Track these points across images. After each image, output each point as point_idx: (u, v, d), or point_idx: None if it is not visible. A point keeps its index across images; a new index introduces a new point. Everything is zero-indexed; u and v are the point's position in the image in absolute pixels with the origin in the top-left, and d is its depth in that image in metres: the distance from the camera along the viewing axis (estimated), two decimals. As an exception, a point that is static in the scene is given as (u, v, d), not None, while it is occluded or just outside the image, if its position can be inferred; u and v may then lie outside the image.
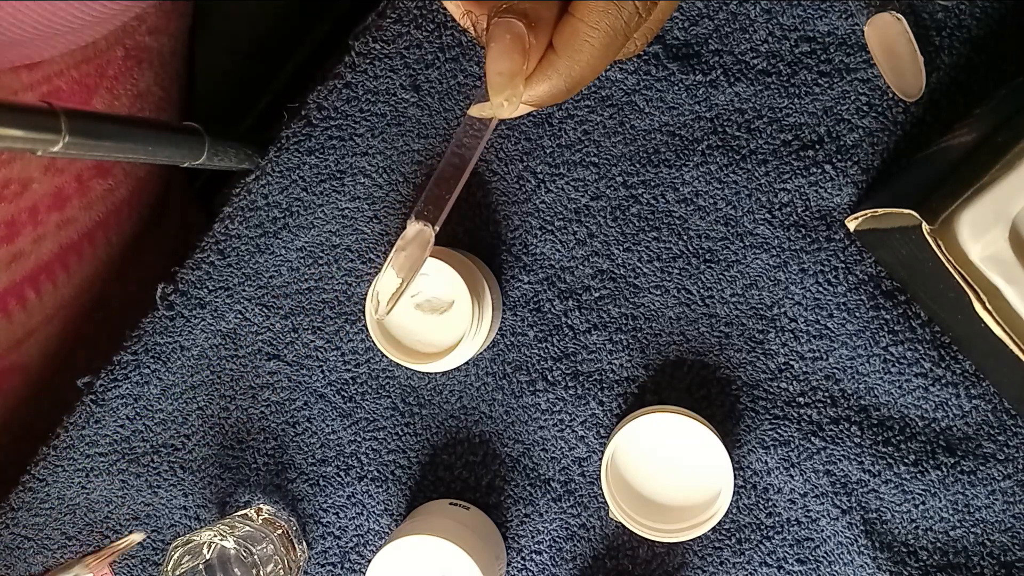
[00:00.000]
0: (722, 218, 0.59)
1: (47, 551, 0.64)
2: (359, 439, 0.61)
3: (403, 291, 0.43)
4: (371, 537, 0.61)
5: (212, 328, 0.62)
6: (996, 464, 0.57)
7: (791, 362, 0.58)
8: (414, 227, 0.43)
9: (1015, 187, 0.46)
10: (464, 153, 0.42)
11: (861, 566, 0.58)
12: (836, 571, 0.58)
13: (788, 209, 0.58)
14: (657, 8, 0.38)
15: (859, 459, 0.58)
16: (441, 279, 0.55)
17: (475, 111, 0.41)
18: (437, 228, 0.43)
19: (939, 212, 0.46)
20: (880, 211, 0.51)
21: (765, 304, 0.58)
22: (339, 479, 0.61)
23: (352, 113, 0.61)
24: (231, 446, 0.62)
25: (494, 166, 0.60)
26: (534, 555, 0.60)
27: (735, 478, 0.57)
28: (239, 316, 0.62)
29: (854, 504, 0.58)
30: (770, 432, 0.58)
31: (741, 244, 0.58)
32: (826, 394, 0.58)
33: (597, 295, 0.59)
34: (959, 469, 0.57)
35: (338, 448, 0.61)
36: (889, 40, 0.56)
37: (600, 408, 0.59)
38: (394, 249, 0.43)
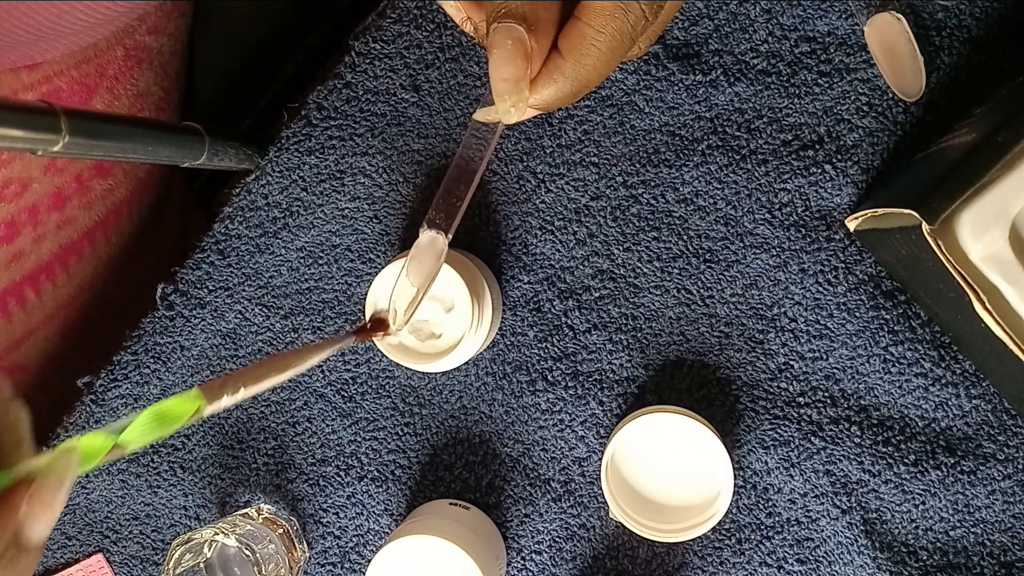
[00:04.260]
0: (722, 218, 0.59)
1: (47, 551, 0.64)
2: (359, 439, 0.61)
3: (420, 301, 0.42)
4: (371, 537, 0.61)
5: (212, 328, 0.62)
6: (996, 464, 0.57)
7: (791, 362, 0.58)
8: (427, 235, 0.42)
9: (1015, 187, 0.46)
10: (473, 157, 0.41)
11: (861, 566, 0.57)
12: (836, 571, 0.58)
13: (788, 209, 0.58)
14: (662, 11, 0.38)
15: (859, 459, 0.58)
16: (441, 279, 0.54)
17: (481, 116, 0.40)
18: (450, 236, 0.42)
19: (939, 212, 0.46)
20: (880, 211, 0.51)
21: (765, 304, 0.58)
22: (339, 479, 0.61)
23: (352, 113, 0.61)
24: (231, 446, 0.62)
25: (494, 166, 0.60)
26: (534, 555, 0.60)
27: (735, 478, 0.57)
28: (239, 316, 0.62)
29: (854, 504, 0.58)
30: (770, 432, 0.58)
31: (741, 244, 0.58)
32: (826, 394, 0.58)
33: (597, 295, 0.59)
34: (959, 469, 0.57)
35: (338, 448, 0.61)
36: (889, 40, 0.56)
37: (600, 408, 0.59)
38: (408, 259, 0.42)
